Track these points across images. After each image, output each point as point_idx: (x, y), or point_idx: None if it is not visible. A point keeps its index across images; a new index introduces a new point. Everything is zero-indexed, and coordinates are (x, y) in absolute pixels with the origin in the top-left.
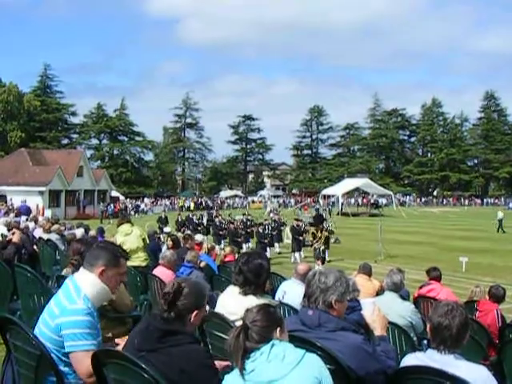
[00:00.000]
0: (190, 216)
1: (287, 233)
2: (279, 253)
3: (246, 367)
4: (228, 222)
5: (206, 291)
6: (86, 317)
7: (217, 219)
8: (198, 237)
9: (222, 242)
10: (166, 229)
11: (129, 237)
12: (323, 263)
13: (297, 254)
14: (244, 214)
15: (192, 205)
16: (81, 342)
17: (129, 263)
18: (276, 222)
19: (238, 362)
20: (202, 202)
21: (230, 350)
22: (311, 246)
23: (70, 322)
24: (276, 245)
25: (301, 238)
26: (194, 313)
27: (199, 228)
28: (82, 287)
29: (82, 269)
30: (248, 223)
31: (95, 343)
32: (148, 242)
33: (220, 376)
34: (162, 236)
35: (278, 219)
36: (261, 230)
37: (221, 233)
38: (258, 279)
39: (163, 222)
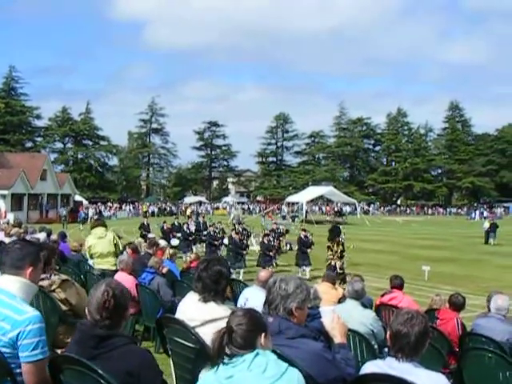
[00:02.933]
0: (176, 223)
1: (251, 240)
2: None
3: (225, 371)
4: (234, 233)
5: (128, 291)
6: (42, 323)
7: (210, 228)
8: (161, 242)
9: (218, 253)
10: (151, 236)
11: (101, 240)
12: (344, 282)
13: (307, 269)
14: (240, 223)
15: (156, 210)
16: (42, 350)
17: (98, 266)
18: (246, 230)
19: (217, 365)
20: (166, 208)
21: (212, 351)
22: (327, 261)
23: (29, 331)
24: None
25: (309, 250)
26: (126, 312)
27: (190, 238)
28: (17, 294)
29: (5, 275)
30: (245, 232)
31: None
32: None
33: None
34: (167, 251)
35: (243, 229)
36: (266, 241)
37: (215, 243)
38: (217, 286)
39: (146, 228)
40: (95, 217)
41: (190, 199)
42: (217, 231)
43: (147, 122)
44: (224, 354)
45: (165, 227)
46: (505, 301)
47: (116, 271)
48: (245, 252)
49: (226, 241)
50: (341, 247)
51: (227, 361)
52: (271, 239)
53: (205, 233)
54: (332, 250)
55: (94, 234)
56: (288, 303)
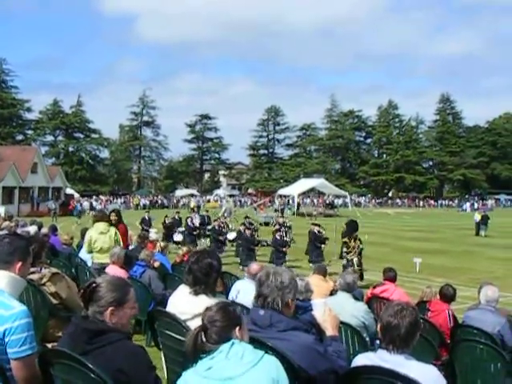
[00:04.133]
0: (177, 217)
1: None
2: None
3: (203, 364)
4: (244, 228)
5: (127, 288)
6: (29, 318)
7: (215, 222)
8: (152, 235)
9: (224, 248)
10: (152, 232)
11: (103, 235)
12: (362, 279)
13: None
14: (247, 217)
15: (147, 203)
16: (30, 345)
17: (98, 260)
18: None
19: (195, 360)
20: (157, 201)
21: (188, 350)
22: (341, 257)
23: (16, 327)
24: None
25: (322, 246)
26: (109, 310)
27: (194, 233)
28: (4, 289)
29: None
30: (251, 227)
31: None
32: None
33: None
34: (158, 244)
35: (249, 224)
36: (278, 237)
37: (221, 238)
38: (208, 278)
39: (147, 223)
40: (92, 211)
41: (181, 192)
42: (222, 226)
43: (138, 114)
44: (200, 351)
45: (166, 222)
46: (495, 292)
47: None
48: (256, 248)
49: (230, 236)
50: (358, 242)
51: (204, 355)
52: (283, 234)
53: (209, 227)
54: (349, 246)
55: (96, 228)
56: (285, 296)
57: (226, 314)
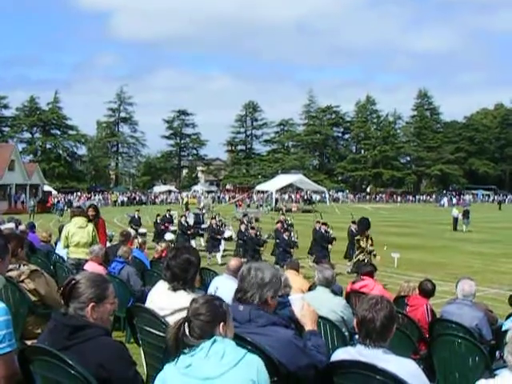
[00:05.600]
0: (168, 215)
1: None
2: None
3: (183, 361)
4: (246, 227)
5: (106, 284)
6: (8, 315)
7: (213, 221)
8: (131, 231)
9: (220, 248)
10: (142, 230)
11: (81, 230)
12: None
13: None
14: (245, 215)
15: (125, 199)
16: (9, 342)
17: (74, 255)
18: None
19: (176, 355)
20: (135, 197)
21: (169, 343)
22: (355, 257)
23: None
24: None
25: (330, 246)
26: (90, 305)
27: (188, 232)
28: None
29: None
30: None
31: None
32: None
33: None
34: (136, 241)
35: (220, 222)
36: (286, 237)
37: (218, 237)
38: (186, 274)
39: (137, 222)
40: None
41: (159, 188)
42: (219, 224)
43: (115, 111)
44: (182, 345)
45: (158, 220)
46: (471, 286)
47: None
48: (262, 249)
49: (226, 234)
50: (370, 242)
51: (187, 351)
52: (291, 234)
53: (203, 226)
54: (361, 246)
55: (74, 222)
56: (264, 292)
57: (211, 308)
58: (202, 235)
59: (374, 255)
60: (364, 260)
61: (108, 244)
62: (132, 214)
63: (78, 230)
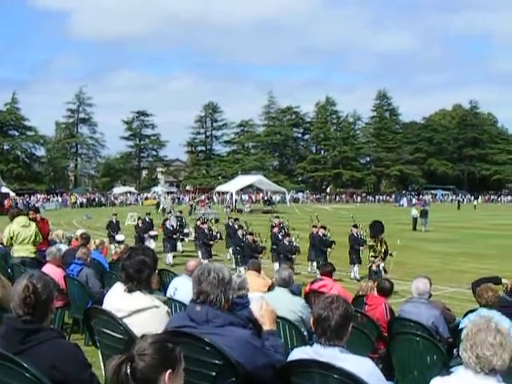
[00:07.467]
0: (147, 219)
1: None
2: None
3: None
4: (243, 233)
5: (52, 283)
6: None
7: (204, 225)
8: (79, 231)
9: (203, 251)
10: (119, 237)
11: (25, 229)
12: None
13: (356, 268)
14: (232, 219)
15: (85, 201)
16: None
17: (18, 254)
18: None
19: None
20: (94, 199)
21: (109, 382)
22: (369, 262)
23: None
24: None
25: (361, 248)
26: (51, 305)
27: (174, 236)
28: None
29: None
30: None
31: None
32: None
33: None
34: (113, 246)
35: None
36: (287, 242)
37: (211, 243)
38: (140, 275)
39: (114, 227)
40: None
41: (118, 189)
42: (213, 229)
43: (75, 111)
44: None
45: (139, 225)
46: (426, 284)
47: (35, 259)
48: (260, 256)
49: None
50: (384, 246)
51: None
52: (292, 240)
53: (186, 231)
54: (376, 250)
55: (17, 222)
56: (227, 291)
57: (160, 351)
58: (182, 240)
59: (391, 254)
60: (379, 266)
61: (66, 246)
62: (90, 215)
63: (21, 229)
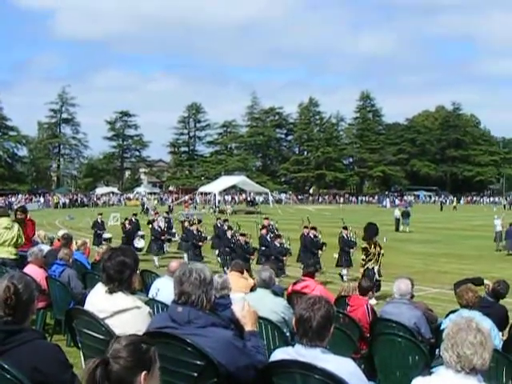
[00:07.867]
0: (134, 220)
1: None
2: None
3: None
4: (232, 233)
5: (33, 284)
6: None
7: (193, 227)
8: (60, 232)
9: (191, 253)
10: (106, 235)
11: (7, 231)
12: (378, 289)
13: (345, 271)
14: (220, 218)
15: (67, 201)
16: None
17: None
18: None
19: None
20: (77, 199)
21: None
22: (363, 265)
23: None
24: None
25: (351, 250)
26: (32, 306)
27: (162, 237)
28: None
29: None
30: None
31: None
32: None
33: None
34: (96, 247)
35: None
36: (278, 244)
37: (200, 244)
38: (121, 275)
39: (100, 227)
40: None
41: (101, 190)
42: (201, 230)
43: (57, 112)
44: None
45: (127, 225)
46: (407, 285)
47: (16, 260)
48: (252, 257)
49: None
50: (378, 249)
51: None
52: (283, 241)
53: (173, 231)
54: (369, 253)
55: None
56: (209, 292)
57: (134, 353)
58: (169, 240)
59: (382, 254)
60: (373, 268)
61: (48, 247)
62: (72, 216)
63: (3, 231)
